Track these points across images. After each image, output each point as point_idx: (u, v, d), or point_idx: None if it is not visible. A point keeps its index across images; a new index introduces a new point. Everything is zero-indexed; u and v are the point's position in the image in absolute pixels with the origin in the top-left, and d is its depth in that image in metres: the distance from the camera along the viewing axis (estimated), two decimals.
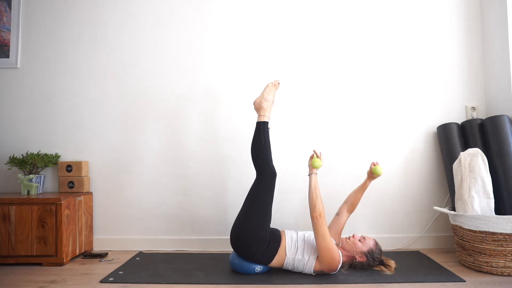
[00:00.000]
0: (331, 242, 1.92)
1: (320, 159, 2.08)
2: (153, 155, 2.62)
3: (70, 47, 2.67)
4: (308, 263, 1.95)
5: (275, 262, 1.99)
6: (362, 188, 2.18)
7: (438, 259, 2.28)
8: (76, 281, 1.95)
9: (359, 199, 2.19)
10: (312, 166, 2.08)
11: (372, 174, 2.14)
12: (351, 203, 2.19)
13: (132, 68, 2.65)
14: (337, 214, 2.20)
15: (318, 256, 1.94)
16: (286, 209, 2.56)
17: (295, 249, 1.98)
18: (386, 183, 2.57)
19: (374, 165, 2.14)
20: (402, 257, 2.28)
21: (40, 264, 2.25)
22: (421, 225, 2.56)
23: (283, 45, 2.62)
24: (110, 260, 2.34)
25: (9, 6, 2.69)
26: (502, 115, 2.25)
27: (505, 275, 1.95)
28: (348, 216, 2.19)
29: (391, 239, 2.55)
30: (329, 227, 2.18)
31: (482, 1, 2.59)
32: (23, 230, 2.23)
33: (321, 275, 1.96)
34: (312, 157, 2.13)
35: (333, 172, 2.57)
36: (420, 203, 2.57)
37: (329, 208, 2.55)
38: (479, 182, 2.08)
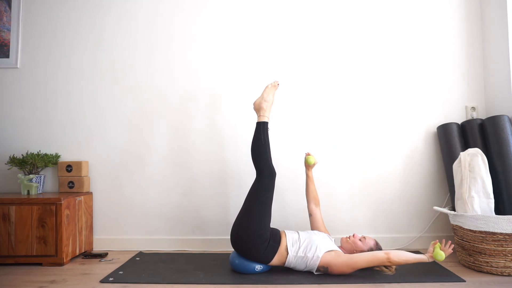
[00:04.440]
0: (360, 267, 1.93)
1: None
2: (153, 155, 2.62)
3: (70, 47, 2.67)
4: (311, 261, 1.95)
5: (275, 261, 1.99)
6: (309, 179, 2.32)
7: None
8: (76, 281, 1.95)
9: (315, 190, 2.32)
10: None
11: (306, 164, 2.31)
12: (312, 197, 2.31)
13: (133, 68, 2.65)
14: (310, 215, 2.31)
15: (334, 258, 1.94)
16: (286, 209, 2.57)
17: (297, 247, 1.98)
18: (386, 183, 2.57)
19: (307, 155, 2.31)
20: None
21: (40, 264, 2.25)
22: (421, 225, 2.56)
23: (283, 46, 2.62)
24: (110, 260, 2.34)
25: (9, 6, 2.69)
26: (502, 115, 2.25)
27: (505, 275, 1.95)
28: (319, 208, 2.31)
29: (391, 239, 2.55)
30: (312, 227, 2.30)
31: (482, 1, 2.59)
32: (23, 230, 2.23)
33: (321, 275, 1.96)
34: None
35: (333, 172, 2.58)
36: (420, 203, 2.57)
37: (327, 208, 2.56)
38: (479, 182, 2.09)
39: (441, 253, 1.86)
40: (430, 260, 1.89)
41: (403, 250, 1.93)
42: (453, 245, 1.93)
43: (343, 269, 1.93)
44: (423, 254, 1.92)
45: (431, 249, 1.92)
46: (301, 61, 2.62)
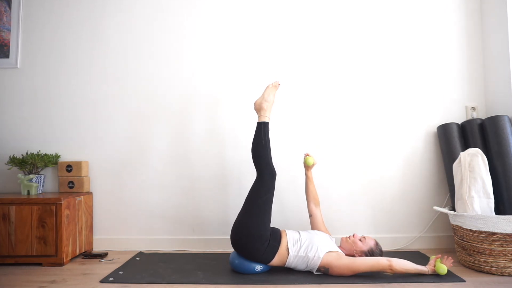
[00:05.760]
0: (361, 271, 1.93)
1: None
2: (153, 155, 2.62)
3: (70, 47, 2.67)
4: (312, 262, 1.95)
5: (276, 261, 1.99)
6: (309, 179, 2.32)
7: None
8: (76, 281, 1.95)
9: (315, 190, 2.32)
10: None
11: (305, 165, 2.31)
12: (312, 197, 2.31)
13: (133, 69, 2.65)
14: (310, 215, 2.31)
15: (335, 259, 1.94)
16: (286, 209, 2.57)
17: (298, 247, 1.99)
18: (386, 183, 2.57)
19: (306, 155, 2.31)
20: (402, 257, 2.27)
21: (40, 264, 2.25)
22: (421, 225, 2.56)
23: (283, 46, 2.62)
24: (110, 260, 2.34)
25: (9, 6, 2.69)
26: (502, 115, 2.25)
27: (505, 275, 1.95)
28: (319, 209, 2.31)
29: (391, 239, 2.55)
30: (312, 227, 2.30)
31: (482, 1, 2.60)
32: (23, 230, 2.23)
33: (321, 275, 1.97)
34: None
35: (333, 172, 2.58)
36: (420, 203, 2.57)
37: (327, 209, 2.56)
38: (479, 182, 2.09)
39: (443, 267, 1.91)
40: (431, 272, 1.93)
41: (405, 260, 1.95)
42: (452, 259, 1.97)
43: (344, 271, 1.93)
44: (425, 266, 1.94)
45: (432, 262, 1.95)
46: (301, 62, 2.62)
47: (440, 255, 1.99)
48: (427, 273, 1.92)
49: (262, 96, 2.21)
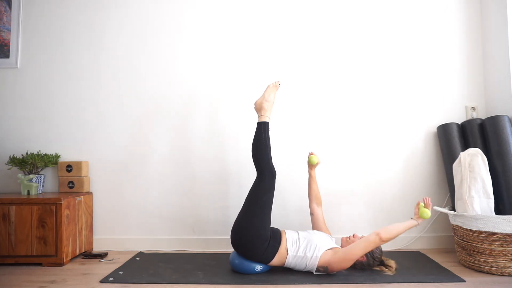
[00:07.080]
0: (358, 256, 1.93)
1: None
2: (153, 155, 2.62)
3: (70, 47, 2.67)
4: (310, 261, 1.95)
5: (275, 261, 1.99)
6: (312, 178, 2.33)
7: (438, 259, 2.28)
8: (76, 281, 1.95)
9: (317, 189, 2.33)
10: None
11: (309, 164, 2.32)
12: (314, 197, 2.32)
13: (133, 69, 2.65)
14: (312, 215, 2.31)
15: (331, 256, 1.94)
16: (287, 209, 2.57)
17: (297, 247, 1.99)
18: (386, 183, 2.57)
19: (311, 154, 2.32)
20: (402, 257, 2.28)
21: (40, 264, 2.25)
22: (421, 225, 2.56)
23: (284, 46, 2.63)
24: (110, 260, 2.34)
25: (9, 6, 2.69)
26: (502, 115, 2.25)
27: (505, 275, 1.95)
28: (321, 208, 2.32)
29: None
30: (314, 227, 2.30)
31: (482, 2, 2.60)
32: (23, 230, 2.23)
33: (321, 275, 1.96)
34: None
35: (333, 172, 2.58)
36: None
37: (328, 208, 2.56)
38: (479, 182, 2.09)
39: (426, 211, 1.93)
40: (419, 221, 1.95)
41: (392, 224, 1.97)
42: (430, 198, 2.01)
43: (342, 264, 1.93)
44: (411, 219, 1.97)
45: (416, 210, 1.98)
46: (301, 62, 2.62)
47: (419, 201, 2.00)
48: (416, 224, 1.95)
49: (262, 96, 2.22)
